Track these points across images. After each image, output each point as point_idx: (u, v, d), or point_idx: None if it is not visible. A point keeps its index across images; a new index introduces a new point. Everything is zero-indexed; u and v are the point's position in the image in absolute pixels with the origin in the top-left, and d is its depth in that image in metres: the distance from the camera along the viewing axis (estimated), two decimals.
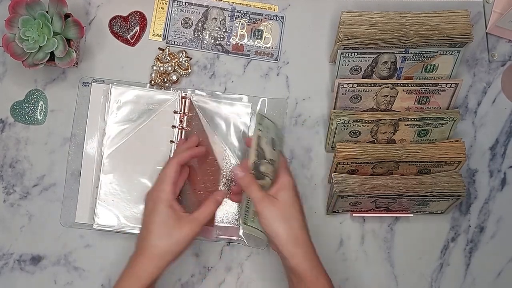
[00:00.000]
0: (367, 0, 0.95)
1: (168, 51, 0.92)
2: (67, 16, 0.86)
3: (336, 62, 0.88)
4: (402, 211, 0.91)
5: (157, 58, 0.91)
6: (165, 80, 0.91)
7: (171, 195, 0.80)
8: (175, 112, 0.90)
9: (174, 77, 0.91)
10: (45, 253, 0.91)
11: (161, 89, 0.92)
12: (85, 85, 0.92)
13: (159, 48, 0.92)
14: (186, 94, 0.91)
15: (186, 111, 0.90)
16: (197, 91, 0.92)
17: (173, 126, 0.90)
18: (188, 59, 0.92)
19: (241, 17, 0.94)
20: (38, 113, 0.92)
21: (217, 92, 0.92)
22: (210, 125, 0.91)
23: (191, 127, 0.90)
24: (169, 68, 0.91)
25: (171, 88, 0.92)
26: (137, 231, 0.85)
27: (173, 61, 0.91)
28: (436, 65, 0.89)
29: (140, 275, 0.77)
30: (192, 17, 0.94)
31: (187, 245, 0.79)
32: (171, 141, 0.90)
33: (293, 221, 0.77)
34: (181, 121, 0.90)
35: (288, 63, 0.94)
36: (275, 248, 0.79)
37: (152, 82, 0.91)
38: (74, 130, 0.91)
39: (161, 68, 0.91)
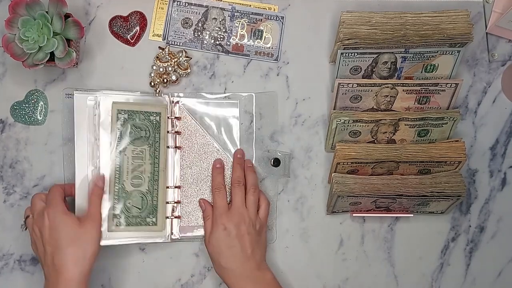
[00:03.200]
0: (367, 0, 0.95)
1: (168, 50, 0.92)
2: (67, 16, 0.86)
3: (336, 62, 0.88)
4: (402, 211, 0.91)
5: (157, 57, 0.91)
6: (165, 80, 0.91)
7: (63, 205, 0.81)
8: (168, 117, 0.90)
9: (174, 77, 0.91)
10: None
11: (156, 91, 0.91)
12: (68, 97, 0.90)
13: (159, 47, 0.92)
14: (178, 100, 0.90)
15: (177, 115, 0.90)
16: (181, 94, 0.91)
17: (168, 132, 0.89)
18: (187, 59, 0.92)
19: (241, 17, 0.94)
20: (38, 113, 0.92)
21: (203, 94, 0.92)
22: (201, 126, 0.91)
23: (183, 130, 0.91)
24: (169, 68, 0.91)
25: (162, 94, 0.91)
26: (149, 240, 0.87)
27: (173, 61, 0.91)
28: (436, 65, 0.89)
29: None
30: (192, 17, 0.94)
31: (97, 244, 0.82)
32: (167, 147, 0.89)
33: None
34: (173, 126, 0.90)
35: (288, 63, 0.94)
36: None
37: (152, 83, 0.91)
38: (65, 138, 0.91)
39: (161, 69, 0.91)
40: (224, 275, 0.84)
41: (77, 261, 0.78)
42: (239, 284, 0.83)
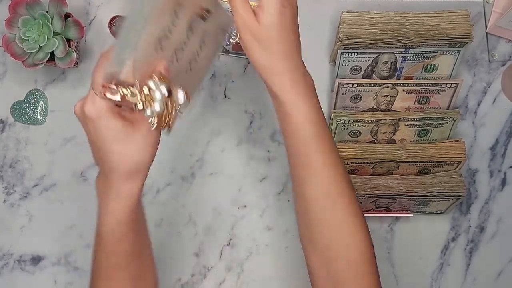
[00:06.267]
0: (367, 0, 0.95)
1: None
2: (67, 16, 0.86)
3: (336, 62, 0.88)
4: (402, 211, 0.91)
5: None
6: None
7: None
8: None
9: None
10: (45, 253, 0.91)
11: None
12: None
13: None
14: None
15: None
16: None
17: None
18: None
19: None
20: (38, 113, 0.92)
21: None
22: None
23: None
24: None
25: None
26: None
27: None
28: (436, 65, 0.89)
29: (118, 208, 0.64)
30: None
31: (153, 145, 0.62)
32: None
33: (274, 46, 0.65)
34: None
35: None
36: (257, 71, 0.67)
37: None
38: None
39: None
40: None
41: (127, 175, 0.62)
42: None
